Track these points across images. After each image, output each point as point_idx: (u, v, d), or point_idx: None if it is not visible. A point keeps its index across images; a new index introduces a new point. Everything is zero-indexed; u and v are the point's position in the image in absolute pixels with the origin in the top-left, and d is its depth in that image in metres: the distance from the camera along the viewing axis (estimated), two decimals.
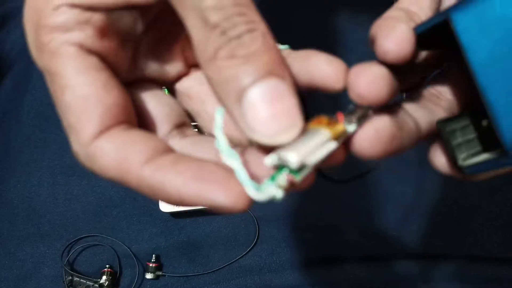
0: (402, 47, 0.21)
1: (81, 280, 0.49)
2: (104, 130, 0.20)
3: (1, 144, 0.55)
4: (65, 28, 0.21)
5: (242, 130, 0.19)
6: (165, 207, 0.50)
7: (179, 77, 0.26)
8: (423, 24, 0.22)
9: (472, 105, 0.25)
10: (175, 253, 0.50)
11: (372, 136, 0.21)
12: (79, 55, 0.21)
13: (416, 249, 0.50)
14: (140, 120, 0.23)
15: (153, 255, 0.50)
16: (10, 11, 0.60)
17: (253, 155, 0.21)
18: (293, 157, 0.18)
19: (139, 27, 0.24)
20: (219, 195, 0.19)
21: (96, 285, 0.48)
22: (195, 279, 0.49)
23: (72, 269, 0.50)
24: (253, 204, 0.19)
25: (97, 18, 0.21)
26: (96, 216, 0.52)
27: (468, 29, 0.20)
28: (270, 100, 0.18)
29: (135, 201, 0.52)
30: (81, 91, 0.20)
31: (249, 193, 0.19)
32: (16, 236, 0.51)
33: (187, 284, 0.49)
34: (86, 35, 0.21)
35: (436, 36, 0.23)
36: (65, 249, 0.50)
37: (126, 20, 0.23)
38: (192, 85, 0.26)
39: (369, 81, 0.20)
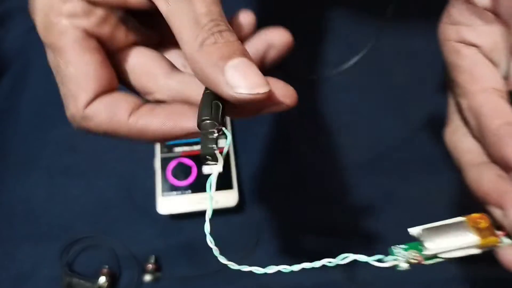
0: None
1: (80, 281, 0.49)
2: (96, 96, 0.27)
3: None
4: (73, 15, 0.27)
5: (222, 91, 0.23)
6: (162, 209, 0.50)
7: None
8: None
9: None
10: (174, 255, 0.50)
11: None
12: (83, 38, 0.27)
13: None
14: (140, 69, 0.30)
15: (152, 257, 0.49)
16: (8, 10, 0.60)
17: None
18: (428, 248, 0.24)
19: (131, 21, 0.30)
20: (189, 123, 0.26)
21: (95, 286, 0.48)
22: (194, 280, 0.49)
23: (71, 270, 0.49)
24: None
25: (100, 11, 0.27)
26: (95, 217, 0.52)
27: None
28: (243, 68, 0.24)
29: (133, 202, 0.52)
30: (82, 67, 0.27)
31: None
32: (14, 237, 0.51)
33: (186, 286, 0.49)
34: (90, 22, 0.27)
35: None
36: (63, 250, 0.50)
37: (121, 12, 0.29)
38: None
39: None
